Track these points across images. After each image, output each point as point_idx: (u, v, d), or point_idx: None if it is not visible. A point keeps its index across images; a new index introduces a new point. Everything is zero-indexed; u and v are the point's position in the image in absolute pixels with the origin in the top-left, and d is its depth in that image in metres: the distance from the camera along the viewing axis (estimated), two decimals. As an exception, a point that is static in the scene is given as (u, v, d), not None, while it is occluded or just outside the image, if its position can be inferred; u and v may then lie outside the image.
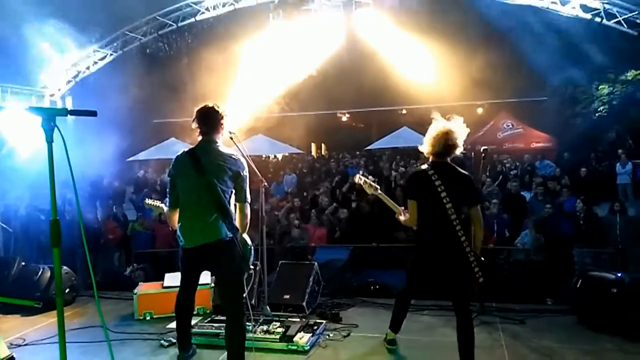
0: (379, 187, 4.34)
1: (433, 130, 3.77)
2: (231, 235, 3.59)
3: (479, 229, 3.75)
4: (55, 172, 2.27)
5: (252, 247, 3.85)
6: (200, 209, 3.56)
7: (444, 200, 3.61)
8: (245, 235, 3.74)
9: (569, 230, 7.84)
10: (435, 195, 3.63)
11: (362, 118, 24.92)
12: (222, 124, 3.74)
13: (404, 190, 4.05)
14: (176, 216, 3.72)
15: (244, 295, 3.78)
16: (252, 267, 4.13)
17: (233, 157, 3.67)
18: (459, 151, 3.77)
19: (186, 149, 3.77)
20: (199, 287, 3.97)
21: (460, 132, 3.76)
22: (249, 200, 3.71)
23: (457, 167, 3.79)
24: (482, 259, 3.70)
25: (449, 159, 3.79)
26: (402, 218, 3.96)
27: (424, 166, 3.81)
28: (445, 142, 3.70)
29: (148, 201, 4.76)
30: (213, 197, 3.53)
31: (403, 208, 4.00)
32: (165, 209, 4.00)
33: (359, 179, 4.43)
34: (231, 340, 3.67)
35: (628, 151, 12.86)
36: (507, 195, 9.73)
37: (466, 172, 3.81)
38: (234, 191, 3.66)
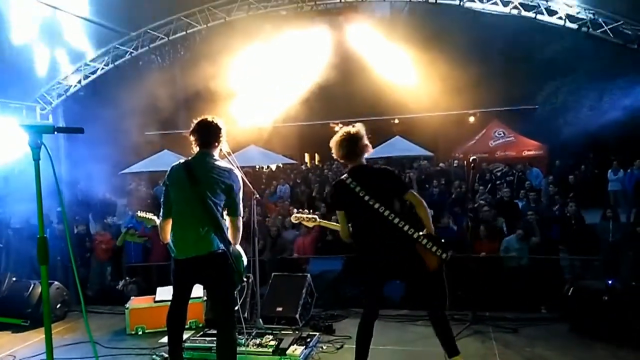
0: (316, 216, 4.50)
1: (336, 136, 3.86)
2: (223, 248, 3.59)
3: (422, 210, 3.69)
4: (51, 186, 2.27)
5: (245, 260, 3.84)
6: (192, 221, 3.56)
7: (370, 202, 3.60)
8: (238, 247, 3.75)
9: (559, 237, 7.87)
10: (359, 201, 3.63)
11: (355, 128, 24.96)
12: (220, 138, 3.77)
13: (327, 205, 4.17)
14: (169, 227, 3.72)
15: (236, 308, 3.77)
16: (244, 279, 4.11)
17: (227, 170, 3.69)
18: (370, 150, 3.85)
19: (182, 160, 3.79)
20: (191, 301, 3.94)
21: (362, 133, 3.83)
22: (241, 213, 3.72)
23: (374, 165, 3.93)
24: (439, 236, 3.70)
25: (364, 160, 3.83)
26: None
27: (343, 176, 3.83)
28: (350, 145, 3.77)
29: (140, 213, 4.74)
30: (205, 210, 3.54)
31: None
32: (158, 221, 4.00)
33: (295, 218, 4.60)
34: (223, 353, 3.65)
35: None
36: (499, 203, 9.78)
37: (385, 166, 3.93)
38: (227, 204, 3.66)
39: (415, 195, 3.74)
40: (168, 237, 3.73)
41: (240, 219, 3.72)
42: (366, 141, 3.82)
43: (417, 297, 3.91)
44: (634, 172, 12.53)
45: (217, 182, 3.59)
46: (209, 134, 3.73)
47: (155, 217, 4.42)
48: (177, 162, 3.78)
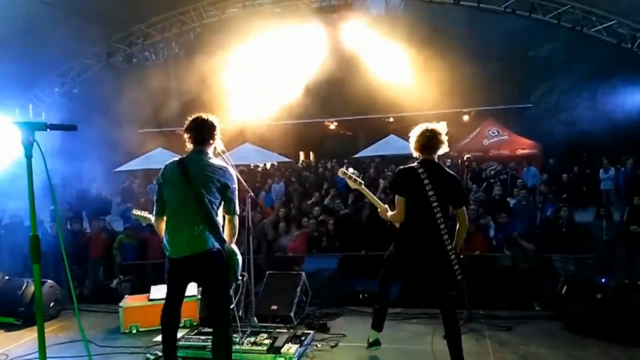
0: (362, 181, 4.35)
1: (417, 129, 3.95)
2: (218, 247, 3.57)
3: (463, 229, 3.84)
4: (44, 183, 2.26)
5: (240, 258, 3.83)
6: (187, 219, 3.54)
7: (431, 199, 3.67)
8: (233, 245, 3.73)
9: (552, 235, 7.89)
10: (422, 193, 3.69)
11: (350, 126, 25.04)
12: (214, 136, 3.76)
13: (392, 185, 4.14)
14: (163, 225, 3.70)
15: (232, 306, 3.75)
16: (239, 277, 4.10)
17: (222, 168, 3.67)
18: (444, 148, 3.88)
19: (176, 158, 3.77)
20: (185, 299, 3.92)
21: (442, 130, 3.90)
22: (237, 212, 3.70)
23: (446, 168, 3.92)
24: (462, 256, 3.82)
25: (436, 157, 3.88)
26: (388, 214, 3.99)
27: (413, 164, 3.86)
28: (430, 137, 3.83)
29: (135, 212, 4.72)
30: (200, 208, 3.52)
31: (386, 205, 4.07)
32: (153, 219, 3.97)
33: (342, 172, 4.39)
34: (218, 352, 3.63)
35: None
36: (491, 201, 9.81)
37: (455, 174, 3.93)
38: (222, 202, 3.65)
39: (465, 213, 3.84)
40: (163, 234, 3.70)
41: (237, 217, 3.70)
42: (444, 138, 3.88)
43: (433, 296, 3.97)
44: (626, 170, 12.60)
45: (211, 180, 3.57)
46: (203, 131, 3.71)
47: (150, 216, 4.40)
48: (171, 160, 3.76)
